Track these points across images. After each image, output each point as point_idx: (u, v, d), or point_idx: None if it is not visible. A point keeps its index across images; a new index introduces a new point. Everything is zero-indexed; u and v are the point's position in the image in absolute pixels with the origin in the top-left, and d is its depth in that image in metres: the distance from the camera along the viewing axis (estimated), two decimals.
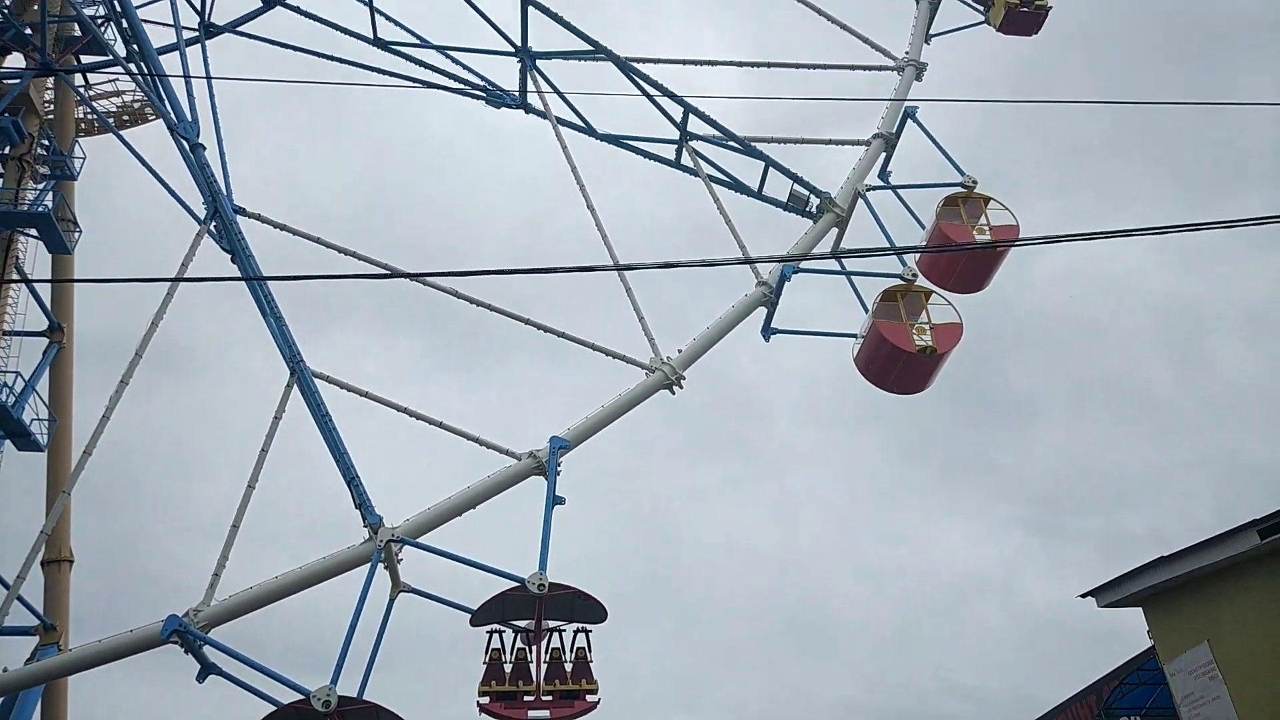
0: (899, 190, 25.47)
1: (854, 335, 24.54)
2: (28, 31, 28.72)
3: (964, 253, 23.34)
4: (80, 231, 28.26)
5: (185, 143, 24.71)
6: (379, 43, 31.38)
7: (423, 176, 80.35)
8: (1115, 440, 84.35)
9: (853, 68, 27.65)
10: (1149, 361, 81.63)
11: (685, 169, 28.88)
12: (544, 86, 29.24)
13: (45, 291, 28.71)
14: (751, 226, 27.23)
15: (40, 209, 26.10)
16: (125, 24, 27.39)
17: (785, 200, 26.42)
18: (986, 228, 23.70)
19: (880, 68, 27.85)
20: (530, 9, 28.47)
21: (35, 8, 29.68)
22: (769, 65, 28.04)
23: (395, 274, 22.01)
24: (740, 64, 28.65)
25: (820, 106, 32.51)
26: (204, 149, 25.06)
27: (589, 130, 29.64)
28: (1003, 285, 26.83)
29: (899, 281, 23.41)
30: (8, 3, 30.00)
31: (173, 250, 25.18)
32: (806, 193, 25.76)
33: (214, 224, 24.40)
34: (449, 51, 30.81)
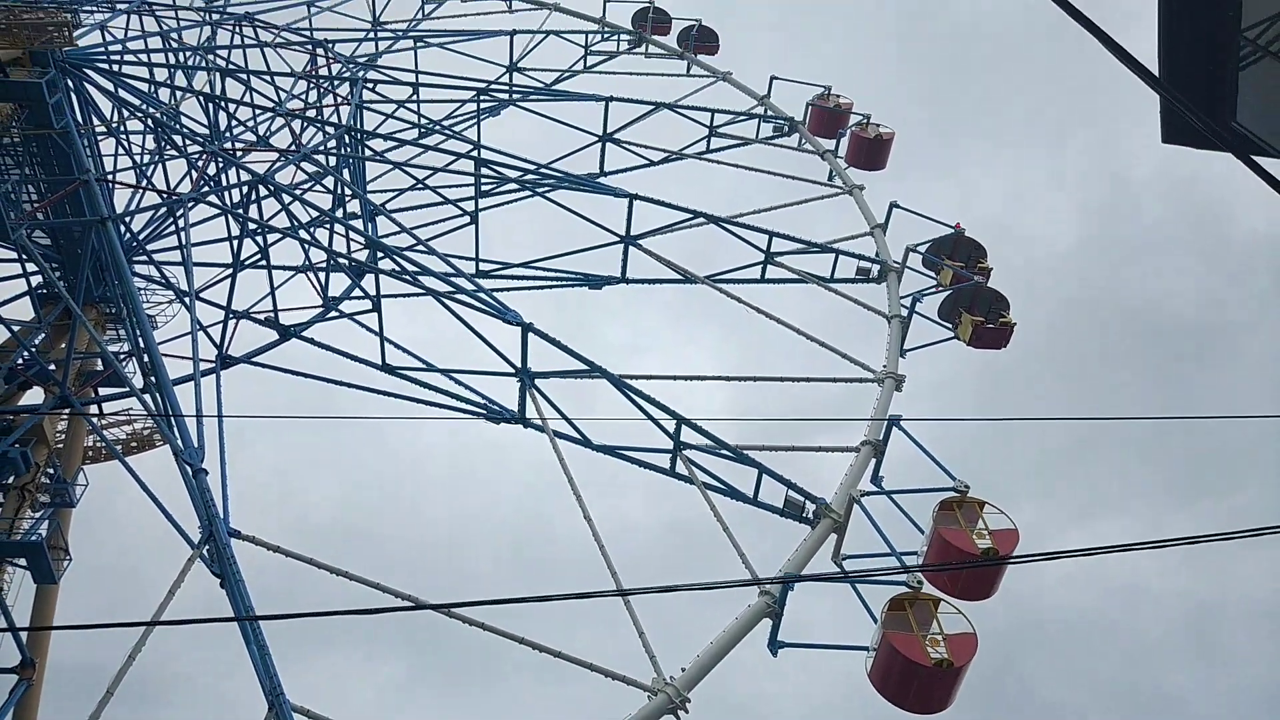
0: (893, 495, 25.80)
1: (865, 648, 23.61)
2: (51, 367, 30.39)
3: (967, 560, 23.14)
4: (70, 560, 27.88)
5: (189, 468, 25.17)
6: (387, 369, 33.18)
7: (421, 490, 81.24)
8: None
9: (835, 380, 29.26)
10: (1164, 661, 77.90)
11: (681, 477, 29.34)
12: (543, 404, 30.50)
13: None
14: (748, 529, 27.22)
15: (33, 538, 25.97)
16: (146, 358, 29.04)
17: (781, 506, 26.62)
18: (986, 532, 23.73)
19: (861, 380, 29.46)
20: (530, 335, 30.45)
21: (62, 345, 31.65)
22: (755, 379, 29.64)
23: (387, 610, 21.52)
24: (728, 378, 30.26)
25: (806, 412, 33.97)
26: (206, 474, 25.49)
27: (585, 442, 30.47)
28: (1012, 586, 26.31)
29: (905, 589, 22.95)
30: (36, 341, 32.04)
31: (163, 573, 24.79)
32: (802, 499, 26.04)
33: (207, 548, 24.22)
34: (453, 374, 32.49)
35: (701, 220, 36.04)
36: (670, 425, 28.68)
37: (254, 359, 33.02)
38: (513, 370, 30.73)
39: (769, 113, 43.61)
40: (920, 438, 27.03)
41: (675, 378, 30.14)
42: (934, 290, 33.55)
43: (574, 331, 32.02)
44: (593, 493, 27.43)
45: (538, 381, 31.19)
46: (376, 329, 34.55)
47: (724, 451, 27.67)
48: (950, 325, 32.62)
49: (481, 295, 32.47)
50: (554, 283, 39.91)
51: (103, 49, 36.17)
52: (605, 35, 48.72)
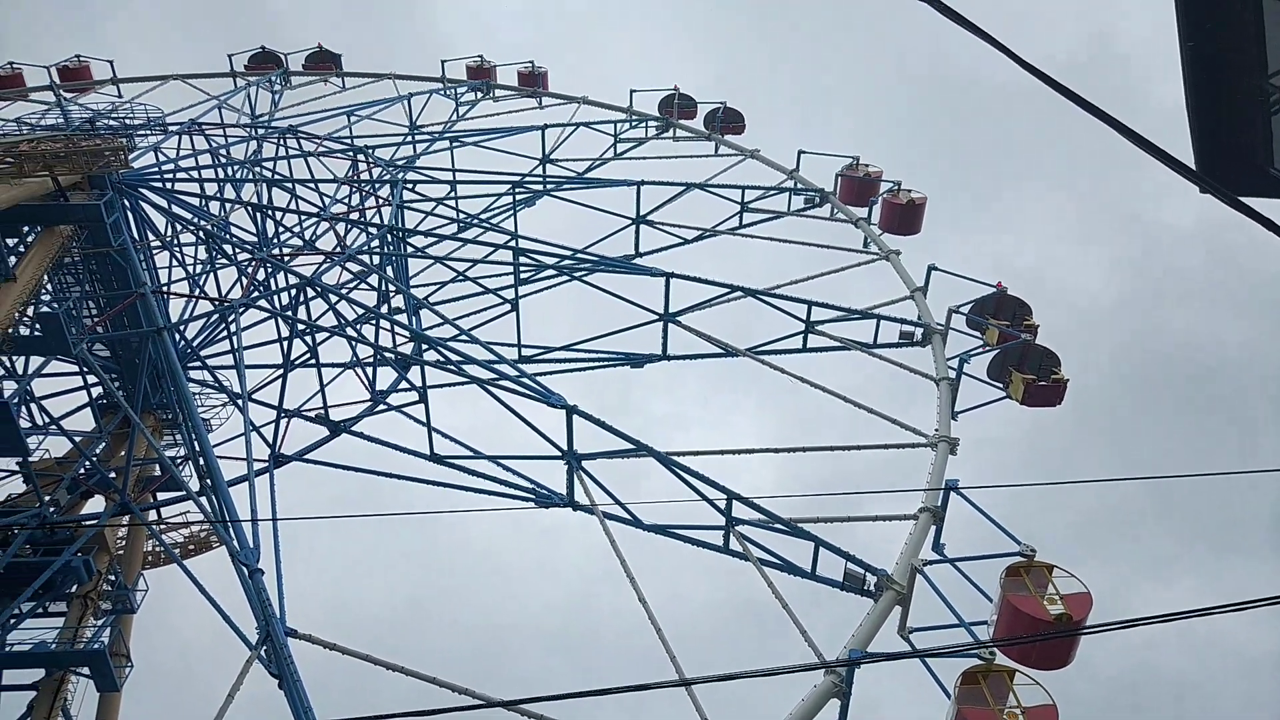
0: (957, 563, 25.01)
1: None
2: (111, 475, 31.04)
3: (1042, 628, 22.18)
4: (131, 666, 27.96)
5: (245, 568, 25.31)
6: (435, 458, 33.40)
7: (472, 578, 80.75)
8: None
9: (886, 446, 28.78)
10: None
11: (734, 554, 28.81)
12: (591, 485, 30.33)
13: None
14: (803, 601, 26.46)
15: (95, 647, 26.14)
16: (202, 461, 29.57)
17: (841, 580, 25.91)
18: (1057, 598, 22.80)
19: (913, 445, 28.94)
20: (574, 416, 30.49)
21: (122, 453, 32.40)
22: (805, 450, 29.28)
23: (451, 709, 21.11)
24: (778, 450, 29.94)
25: (858, 481, 33.33)
26: (263, 574, 25.60)
27: (636, 522, 30.13)
28: (1089, 653, 25.14)
29: (977, 661, 22.00)
30: (97, 450, 32.85)
31: (222, 676, 24.73)
32: (862, 571, 25.35)
33: (264, 649, 24.18)
34: (500, 460, 32.57)
35: (739, 294, 36.25)
36: (721, 501, 28.32)
37: (306, 456, 33.45)
38: (559, 453, 30.70)
39: (799, 185, 44.18)
40: (978, 501, 26.36)
41: (724, 452, 29.92)
42: (981, 350, 33.13)
43: (617, 410, 32.18)
44: (645, 573, 26.99)
45: (585, 463, 31.14)
46: (424, 420, 34.99)
47: (778, 525, 27.17)
48: (1001, 385, 32.08)
49: (525, 380, 32.75)
50: (596, 364, 40.21)
51: (156, 168, 37.96)
52: (633, 123, 50.08)
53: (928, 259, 37.37)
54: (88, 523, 28.86)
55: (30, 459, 28.65)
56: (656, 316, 36.92)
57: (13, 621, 26.28)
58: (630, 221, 42.50)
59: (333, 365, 36.99)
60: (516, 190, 44.26)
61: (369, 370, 37.50)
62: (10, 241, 29.67)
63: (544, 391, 31.38)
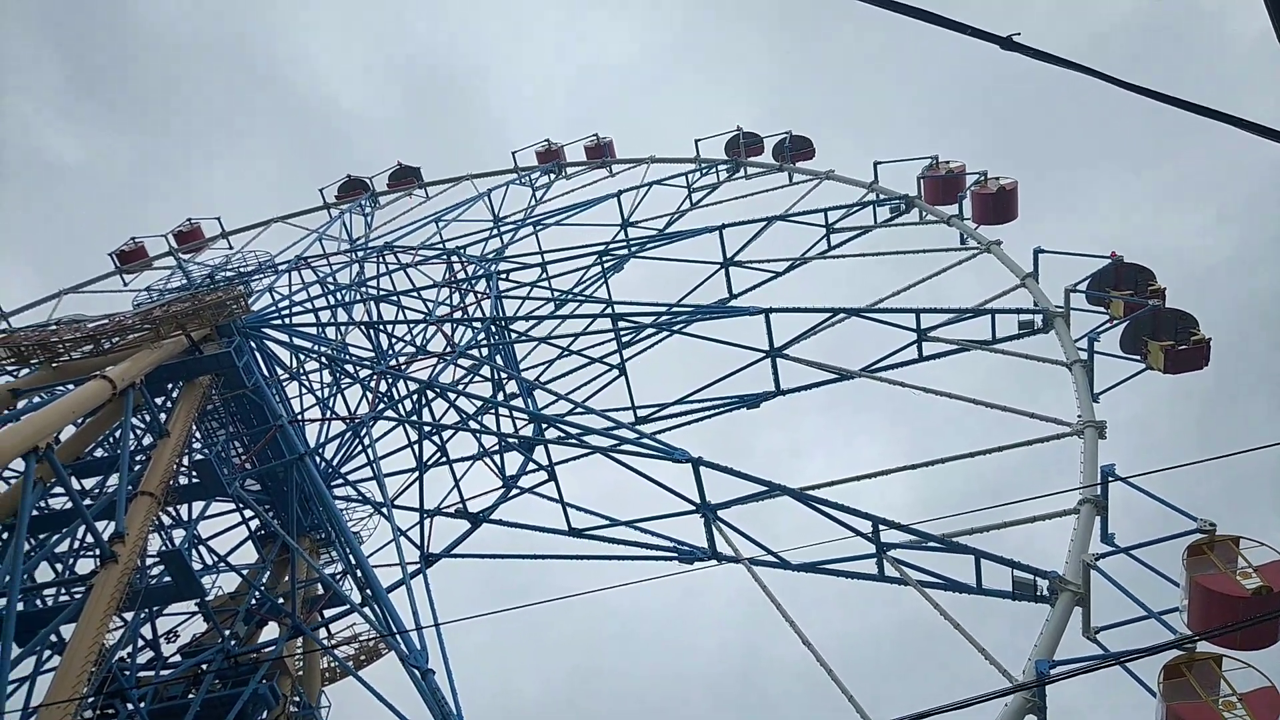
0: (1131, 552, 23.51)
1: None
2: (280, 600, 32.71)
3: (1239, 605, 20.52)
4: None
5: (417, 671, 26.07)
6: (574, 532, 33.90)
7: (626, 645, 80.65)
8: None
9: (1030, 443, 27.55)
10: None
11: (892, 580, 27.93)
12: (730, 534, 30.08)
13: None
14: (970, 619, 25.30)
15: None
16: (359, 573, 30.84)
17: (1010, 590, 24.75)
18: (1250, 570, 21.09)
19: (1058, 436, 27.63)
20: (701, 468, 30.43)
21: (286, 578, 34.16)
22: (945, 461, 28.33)
23: None
24: (915, 466, 29.03)
25: (999, 487, 31.90)
26: (433, 673, 26.32)
27: (783, 564, 29.62)
28: None
29: (1178, 652, 20.48)
30: (264, 579, 34.70)
31: None
32: (1031, 577, 24.16)
33: None
34: (636, 525, 32.75)
35: (843, 315, 35.77)
36: (865, 528, 27.60)
37: (454, 552, 34.47)
38: (694, 507, 30.62)
39: (881, 196, 43.60)
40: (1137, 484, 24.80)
41: (862, 477, 29.21)
42: (1108, 326, 31.52)
43: (741, 453, 31.85)
44: (801, 613, 26.42)
45: (720, 512, 30.93)
46: (556, 497, 35.65)
47: (933, 544, 26.25)
48: (1138, 357, 30.37)
49: (645, 440, 33.02)
50: (711, 412, 40.20)
51: (273, 307, 40.53)
52: (704, 170, 50.65)
53: (1028, 245, 36.14)
54: (267, 650, 30.37)
55: (207, 598, 30.50)
56: (763, 354, 36.76)
57: None
58: (719, 266, 42.70)
59: (463, 459, 38.27)
60: (603, 259, 45.23)
61: (497, 458, 38.58)
62: (158, 400, 32.07)
63: (666, 448, 31.52)
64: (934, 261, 38.65)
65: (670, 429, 40.31)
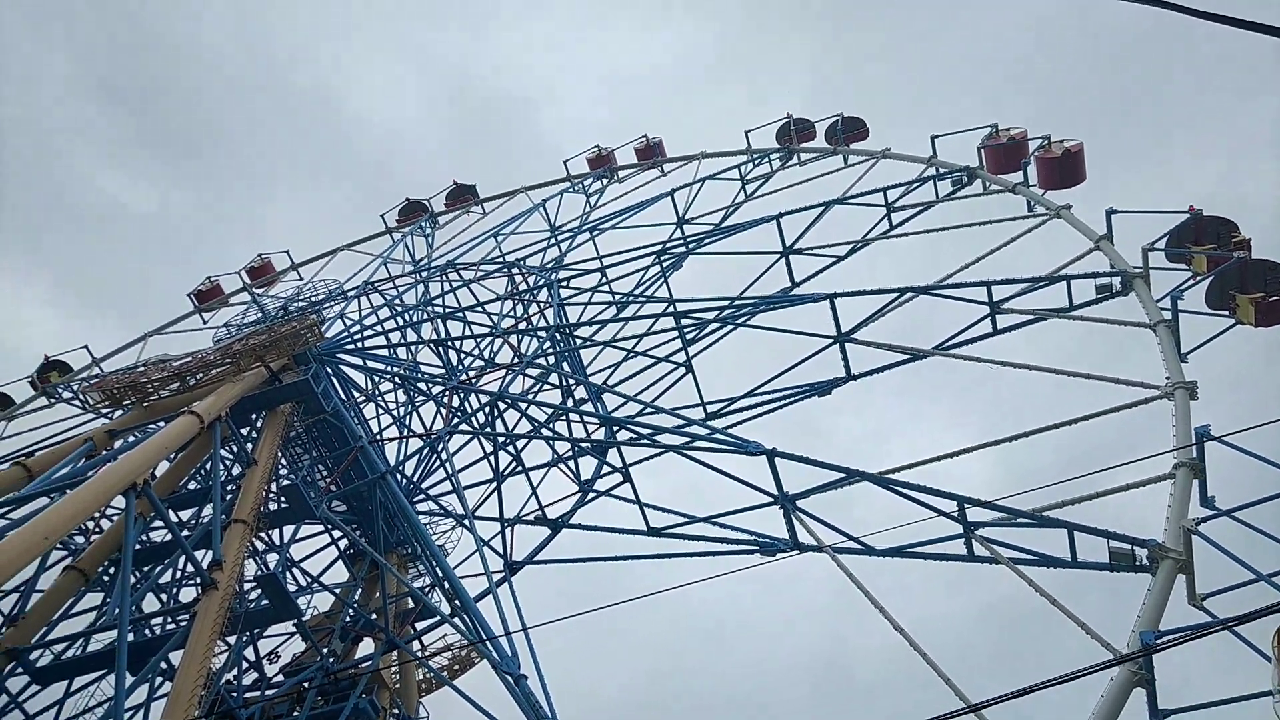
0: (1234, 514, 22.48)
1: (1270, 692, 20.00)
2: (373, 616, 33.51)
3: None
4: None
5: (510, 677, 26.41)
6: (652, 532, 33.96)
7: (710, 643, 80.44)
8: None
9: (1118, 409, 26.56)
10: None
11: (981, 559, 27.23)
12: (811, 523, 29.73)
13: None
14: (1067, 596, 24.47)
15: None
16: (447, 585, 31.42)
17: (1108, 561, 23.90)
18: None
19: (1146, 400, 26.59)
20: (776, 459, 30.11)
21: (376, 594, 34.98)
22: (1030, 434, 27.52)
23: None
24: (998, 442, 28.25)
25: (1082, 458, 30.80)
26: (526, 678, 26.62)
27: (868, 550, 29.15)
28: None
29: None
30: (356, 597, 35.61)
31: None
32: (1129, 546, 23.28)
33: None
34: (715, 520, 32.65)
35: (911, 294, 35.07)
36: (950, 508, 26.95)
37: (536, 558, 34.86)
38: (772, 499, 30.35)
39: (940, 170, 42.62)
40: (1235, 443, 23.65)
41: (941, 458, 28.54)
42: (1191, 283, 30.20)
43: (813, 442, 31.46)
44: (882, 600, 25.89)
45: (799, 502, 30.59)
46: (633, 497, 35.78)
47: (1023, 520, 25.51)
48: (1226, 313, 29.03)
49: (717, 436, 32.89)
50: (782, 402, 39.84)
51: (345, 333, 41.62)
52: (757, 161, 50.24)
53: (1099, 207, 34.85)
54: (364, 665, 31.13)
55: (304, 618, 31.42)
56: (831, 339, 36.28)
57: None
58: (779, 255, 42.30)
59: (538, 467, 38.69)
60: (662, 258, 45.24)
61: (571, 464, 38.89)
62: (244, 430, 33.20)
63: (739, 442, 31.34)
64: (1001, 233, 37.60)
65: (742, 423, 40.12)
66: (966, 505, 26.14)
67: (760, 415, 40.00)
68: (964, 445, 28.82)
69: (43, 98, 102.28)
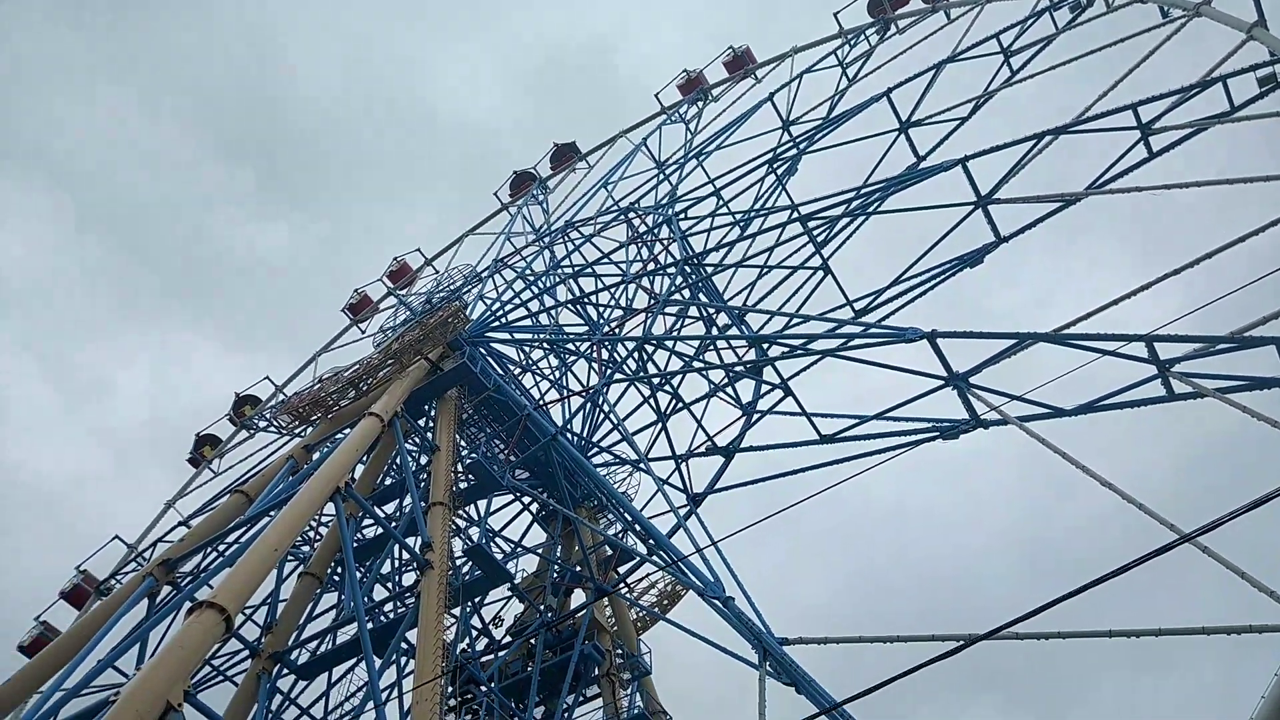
0: None
1: None
2: (577, 569, 35.12)
3: None
4: (669, 716, 31.02)
5: (718, 601, 27.13)
6: (825, 439, 33.73)
7: (903, 537, 79.68)
8: None
9: None
10: None
11: (1183, 396, 25.55)
12: (989, 397, 28.69)
13: None
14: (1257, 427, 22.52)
15: (635, 711, 29.43)
16: (638, 527, 32.45)
17: None
18: None
19: None
20: (938, 340, 29.06)
21: (575, 548, 36.58)
22: (1211, 254, 25.36)
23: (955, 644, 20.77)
24: (1176, 271, 26.24)
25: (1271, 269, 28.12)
26: (733, 599, 27.27)
27: (1059, 412, 27.91)
28: None
29: None
30: (558, 553, 37.35)
31: (743, 700, 26.49)
32: None
33: (768, 664, 25.61)
34: (887, 415, 32.05)
35: (1049, 137, 32.77)
36: (1139, 351, 25.30)
37: (716, 487, 35.41)
38: (942, 380, 29.41)
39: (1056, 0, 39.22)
40: None
41: (1115, 301, 26.80)
42: None
43: (970, 322, 30.11)
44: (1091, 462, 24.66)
45: (971, 379, 29.50)
46: (798, 410, 35.58)
47: (1222, 345, 23.68)
48: None
49: (872, 330, 32.11)
50: (933, 282, 38.39)
51: (488, 312, 43.04)
52: (853, 42, 47.75)
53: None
54: (580, 615, 32.77)
55: (516, 581, 33.32)
56: (973, 205, 34.51)
57: (565, 713, 30.37)
58: (897, 132, 40.31)
59: (699, 400, 39.07)
60: (775, 166, 44.06)
61: (729, 390, 39.01)
62: (421, 421, 35.14)
63: (895, 332, 30.48)
64: (1137, 50, 34.36)
65: (893, 313, 38.98)
66: (1156, 342, 24.46)
67: (912, 300, 38.73)
68: (1137, 285, 26.98)
69: (171, 163, 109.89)
